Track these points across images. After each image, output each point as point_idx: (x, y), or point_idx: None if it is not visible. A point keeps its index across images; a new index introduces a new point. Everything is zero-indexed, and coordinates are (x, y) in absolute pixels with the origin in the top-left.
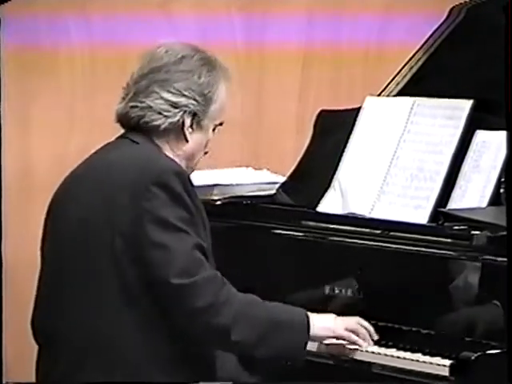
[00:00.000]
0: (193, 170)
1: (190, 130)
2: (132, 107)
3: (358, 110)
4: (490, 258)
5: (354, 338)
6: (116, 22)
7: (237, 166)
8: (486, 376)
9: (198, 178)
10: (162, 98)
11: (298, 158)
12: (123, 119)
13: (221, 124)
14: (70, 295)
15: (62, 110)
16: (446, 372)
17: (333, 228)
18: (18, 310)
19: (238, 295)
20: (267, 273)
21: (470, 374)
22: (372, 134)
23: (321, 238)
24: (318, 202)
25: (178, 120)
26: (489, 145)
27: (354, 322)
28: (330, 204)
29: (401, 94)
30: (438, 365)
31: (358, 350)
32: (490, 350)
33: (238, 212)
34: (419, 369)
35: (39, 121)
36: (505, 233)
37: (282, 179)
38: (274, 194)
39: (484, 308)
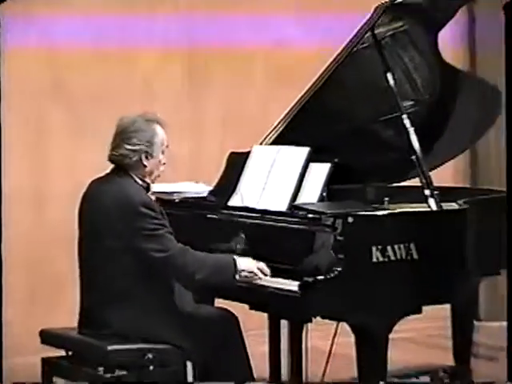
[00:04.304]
0: (154, 180)
1: (146, 160)
2: (112, 155)
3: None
4: (320, 228)
5: (259, 273)
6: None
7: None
8: (318, 292)
9: (165, 188)
10: (126, 149)
11: (217, 179)
12: (110, 160)
13: (167, 146)
14: (97, 263)
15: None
16: (296, 287)
17: (235, 214)
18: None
19: (196, 253)
20: (205, 238)
21: (310, 290)
22: (256, 165)
23: (230, 219)
24: (228, 200)
25: (137, 159)
26: (315, 171)
27: (260, 264)
28: (234, 201)
29: (274, 142)
30: (293, 285)
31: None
32: (319, 276)
33: (187, 206)
34: (287, 287)
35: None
36: (328, 214)
37: (210, 188)
38: (206, 196)
39: (319, 257)
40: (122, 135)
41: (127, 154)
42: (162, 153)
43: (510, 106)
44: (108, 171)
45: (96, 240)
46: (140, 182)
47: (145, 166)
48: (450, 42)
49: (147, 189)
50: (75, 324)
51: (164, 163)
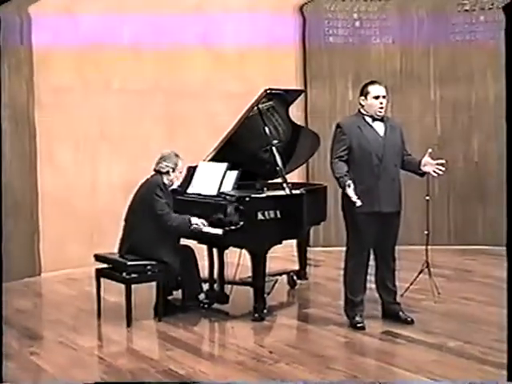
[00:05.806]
0: (173, 183)
1: (171, 172)
2: (156, 167)
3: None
4: (232, 203)
5: (201, 225)
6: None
7: None
8: (232, 235)
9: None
10: (163, 165)
11: (182, 179)
12: (154, 170)
13: (181, 171)
14: (135, 219)
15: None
16: (221, 232)
17: (190, 197)
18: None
19: (175, 215)
20: (177, 208)
21: (227, 233)
22: (201, 172)
23: (190, 200)
24: (187, 189)
25: (167, 171)
26: (231, 174)
27: (202, 220)
28: (190, 190)
29: (210, 160)
30: (220, 231)
31: (203, 228)
32: (233, 227)
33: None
34: (216, 232)
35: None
36: (237, 196)
37: (178, 183)
38: (177, 187)
39: (232, 217)
40: (162, 159)
41: (163, 168)
42: (180, 173)
43: (510, 106)
44: (152, 174)
45: (137, 203)
46: (166, 181)
47: (169, 175)
48: (287, 40)
49: (169, 186)
50: (114, 250)
51: (178, 176)
